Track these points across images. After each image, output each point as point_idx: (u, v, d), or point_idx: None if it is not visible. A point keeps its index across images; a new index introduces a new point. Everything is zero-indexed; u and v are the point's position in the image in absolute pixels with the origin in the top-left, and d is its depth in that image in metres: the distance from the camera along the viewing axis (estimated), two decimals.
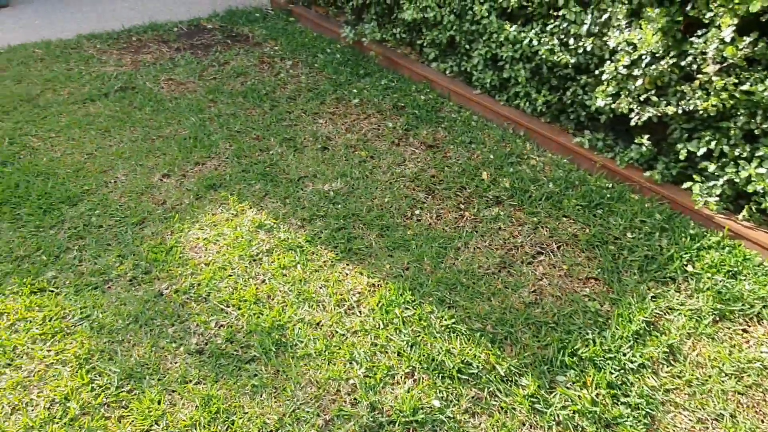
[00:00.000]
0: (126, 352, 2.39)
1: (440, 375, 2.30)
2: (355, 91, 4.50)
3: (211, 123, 4.06)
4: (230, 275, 2.79)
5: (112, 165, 3.58)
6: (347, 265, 2.86)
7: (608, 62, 3.30)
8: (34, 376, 2.28)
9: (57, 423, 2.11)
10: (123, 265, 2.82)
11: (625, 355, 2.38)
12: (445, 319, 2.54)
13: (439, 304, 2.62)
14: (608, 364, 2.34)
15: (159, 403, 2.19)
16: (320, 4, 5.84)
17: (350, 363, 2.35)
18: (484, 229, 3.09)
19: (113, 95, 4.36)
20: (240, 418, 2.14)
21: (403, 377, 2.31)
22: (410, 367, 2.34)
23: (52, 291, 2.67)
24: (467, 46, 4.23)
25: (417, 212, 3.23)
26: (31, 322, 2.51)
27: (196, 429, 2.10)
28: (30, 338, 2.43)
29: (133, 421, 2.13)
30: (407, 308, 2.60)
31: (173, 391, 2.24)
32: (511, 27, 3.78)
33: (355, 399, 2.22)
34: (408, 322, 2.53)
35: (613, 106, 3.32)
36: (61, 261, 2.84)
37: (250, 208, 3.25)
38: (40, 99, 4.26)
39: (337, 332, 2.49)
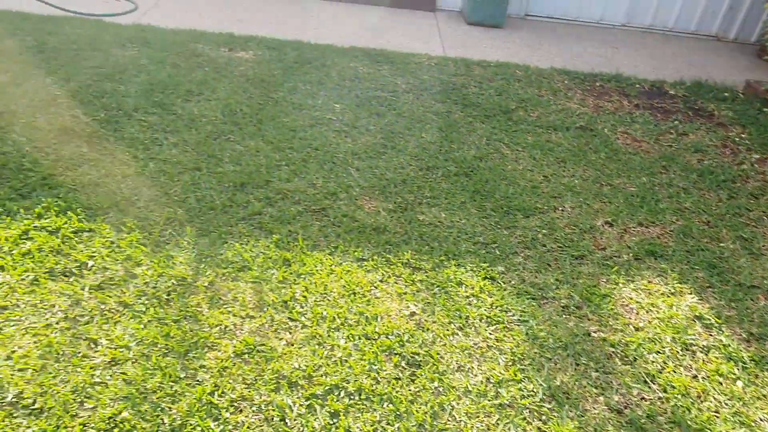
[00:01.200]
0: (552, 371, 2.55)
1: None
2: None
3: (660, 189, 4.00)
4: (659, 352, 2.70)
5: (562, 194, 3.86)
6: None
7: None
8: (477, 349, 2.64)
9: (488, 401, 2.40)
10: (559, 290, 3.02)
11: None
12: None
13: None
14: None
15: None
16: None
17: None
18: None
19: (573, 131, 4.69)
20: None
21: None
22: None
23: (500, 284, 3.04)
24: None
25: None
26: (481, 302, 2.91)
27: None
28: (479, 316, 2.82)
29: None
30: None
31: None
32: None
33: None
34: None
35: None
36: (510, 261, 3.21)
37: (690, 293, 3.08)
38: (513, 114, 4.88)
39: None
